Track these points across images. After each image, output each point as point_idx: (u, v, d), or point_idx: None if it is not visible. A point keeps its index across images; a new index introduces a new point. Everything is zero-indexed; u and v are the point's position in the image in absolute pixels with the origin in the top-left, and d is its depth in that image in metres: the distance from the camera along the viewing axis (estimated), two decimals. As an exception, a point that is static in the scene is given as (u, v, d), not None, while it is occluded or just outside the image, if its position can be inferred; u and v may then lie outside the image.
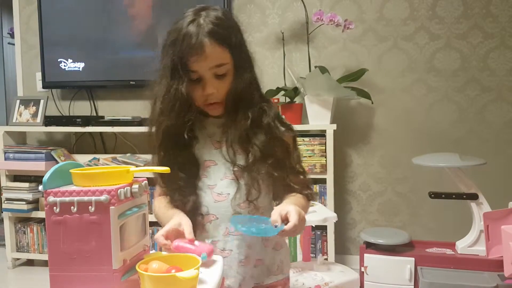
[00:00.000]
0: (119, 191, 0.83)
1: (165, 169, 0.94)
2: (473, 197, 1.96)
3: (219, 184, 1.09)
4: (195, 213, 1.09)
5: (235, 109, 1.08)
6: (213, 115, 1.12)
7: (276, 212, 0.95)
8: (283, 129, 1.10)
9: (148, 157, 2.74)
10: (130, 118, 2.73)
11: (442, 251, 2.04)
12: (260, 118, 1.08)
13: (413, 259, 1.98)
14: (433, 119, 2.69)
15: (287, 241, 1.30)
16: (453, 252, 2.02)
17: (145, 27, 2.85)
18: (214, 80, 1.05)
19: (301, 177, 1.10)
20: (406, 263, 1.97)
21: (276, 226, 0.94)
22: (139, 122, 2.69)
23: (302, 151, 2.48)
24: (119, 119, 2.74)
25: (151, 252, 1.02)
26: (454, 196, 1.99)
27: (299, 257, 2.45)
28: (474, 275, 1.88)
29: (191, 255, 0.96)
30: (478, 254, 1.96)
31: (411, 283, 1.97)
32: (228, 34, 1.05)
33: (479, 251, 1.96)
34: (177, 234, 1.00)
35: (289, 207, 0.95)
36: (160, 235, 0.99)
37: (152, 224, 2.55)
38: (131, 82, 2.84)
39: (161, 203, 1.14)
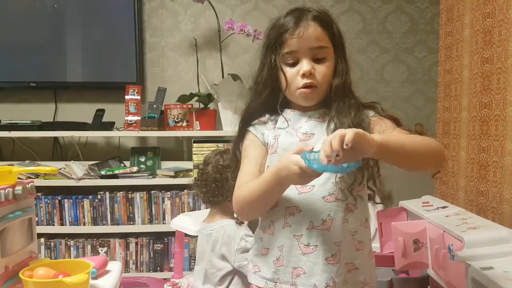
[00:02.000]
0: (-2, 192, 0.78)
1: (52, 169, 0.89)
2: (370, 197, 2.11)
3: None
4: (277, 205, 1.02)
5: (339, 99, 1.02)
6: (303, 104, 1.05)
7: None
8: (371, 113, 1.04)
9: (50, 164, 2.61)
10: (29, 122, 2.55)
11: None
12: (359, 116, 1.02)
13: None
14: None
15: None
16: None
17: (50, 26, 2.69)
18: (312, 62, 1.01)
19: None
20: (310, 263, 2.05)
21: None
22: (39, 127, 2.53)
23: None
24: (17, 123, 2.55)
25: (39, 258, 0.96)
26: (352, 197, 2.12)
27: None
28: (371, 270, 2.01)
29: (82, 261, 0.93)
30: (375, 250, 2.09)
31: (315, 281, 2.05)
32: (331, 23, 1.05)
33: (375, 247, 2.08)
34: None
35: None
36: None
37: (42, 236, 2.45)
38: (31, 84, 2.66)
39: (247, 183, 1.01)
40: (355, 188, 1.00)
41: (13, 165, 2.46)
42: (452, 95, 1.97)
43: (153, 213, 2.54)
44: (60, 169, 2.49)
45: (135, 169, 2.51)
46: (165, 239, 2.57)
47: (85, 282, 0.83)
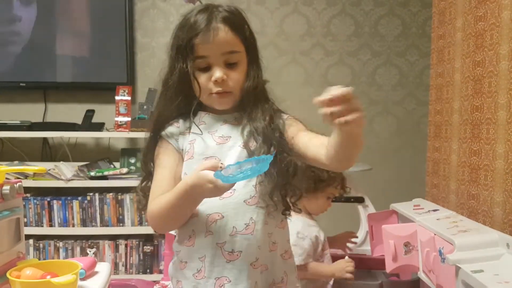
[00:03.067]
0: (-15, 191, 0.76)
1: (40, 168, 0.88)
2: (360, 200, 2.11)
3: None
4: (197, 214, 0.97)
5: (252, 103, 1.01)
6: (218, 108, 1.02)
7: None
8: (285, 116, 1.06)
9: (39, 165, 2.57)
10: (18, 122, 2.52)
11: (335, 251, 2.15)
12: (274, 121, 1.02)
13: (308, 260, 2.06)
14: (328, 129, 2.85)
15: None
16: (343, 252, 2.14)
17: (39, 25, 2.66)
18: (224, 67, 0.98)
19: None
20: (302, 265, 2.05)
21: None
22: (29, 127, 2.50)
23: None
24: (6, 123, 2.52)
25: (27, 258, 0.94)
26: (343, 199, 2.12)
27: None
28: (362, 273, 2.00)
29: (71, 261, 0.91)
30: (365, 253, 2.09)
31: (307, 283, 2.05)
32: (242, 24, 1.01)
33: (366, 250, 2.09)
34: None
35: None
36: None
37: (30, 237, 2.42)
38: (21, 84, 2.63)
39: (160, 197, 0.96)
40: (275, 194, 0.97)
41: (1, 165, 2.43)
42: (443, 98, 1.98)
43: (143, 215, 2.52)
44: (49, 170, 2.46)
45: (125, 170, 2.49)
46: (155, 241, 2.54)
47: (73, 283, 0.81)
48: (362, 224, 2.14)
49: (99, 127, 2.57)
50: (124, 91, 2.55)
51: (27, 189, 2.48)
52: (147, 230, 2.51)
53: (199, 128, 1.02)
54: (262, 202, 0.97)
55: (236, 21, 0.99)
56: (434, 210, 1.72)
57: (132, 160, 2.62)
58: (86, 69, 2.70)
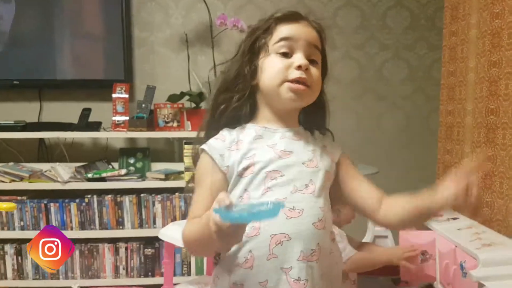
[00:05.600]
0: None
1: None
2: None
3: (290, 198, 0.89)
4: (258, 233, 0.87)
5: (312, 120, 0.99)
6: (287, 103, 0.91)
7: None
8: (339, 150, 1.03)
9: (35, 166, 2.50)
10: (12, 122, 2.44)
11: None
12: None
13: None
14: (332, 127, 2.75)
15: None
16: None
17: (34, 21, 2.56)
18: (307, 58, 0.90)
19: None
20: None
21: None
22: (23, 127, 2.42)
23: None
24: (0, 123, 2.44)
25: None
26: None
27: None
28: (370, 280, 1.93)
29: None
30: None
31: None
32: (324, 37, 0.97)
33: (373, 256, 2.02)
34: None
35: None
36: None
37: (28, 241, 2.30)
38: (14, 82, 2.54)
39: (193, 220, 0.88)
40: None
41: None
42: (456, 98, 1.87)
43: (143, 217, 2.45)
44: (45, 171, 2.40)
45: (123, 171, 2.41)
46: (156, 244, 2.47)
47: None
48: (369, 230, 2.06)
49: (96, 126, 2.48)
50: (122, 88, 2.46)
51: (23, 192, 2.42)
52: (148, 232, 2.44)
53: (258, 137, 0.93)
54: (328, 227, 0.91)
55: (322, 30, 0.96)
56: (454, 218, 1.64)
57: (131, 161, 2.54)
58: (82, 66, 2.60)
